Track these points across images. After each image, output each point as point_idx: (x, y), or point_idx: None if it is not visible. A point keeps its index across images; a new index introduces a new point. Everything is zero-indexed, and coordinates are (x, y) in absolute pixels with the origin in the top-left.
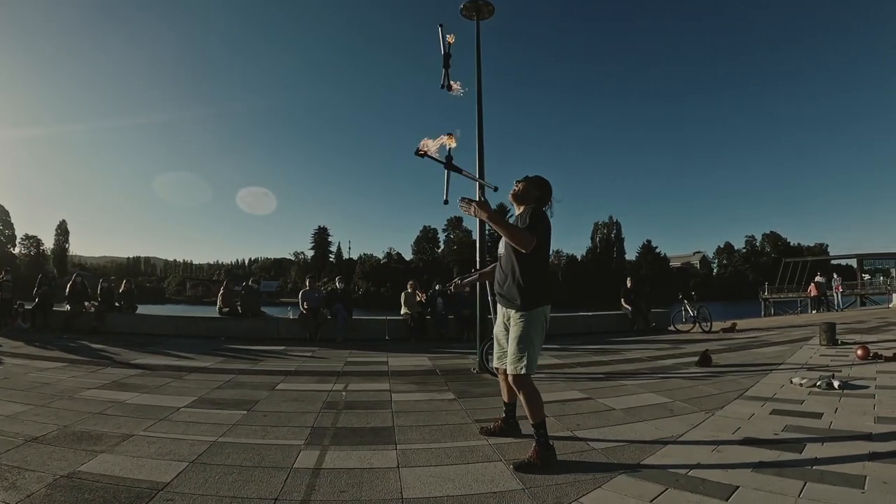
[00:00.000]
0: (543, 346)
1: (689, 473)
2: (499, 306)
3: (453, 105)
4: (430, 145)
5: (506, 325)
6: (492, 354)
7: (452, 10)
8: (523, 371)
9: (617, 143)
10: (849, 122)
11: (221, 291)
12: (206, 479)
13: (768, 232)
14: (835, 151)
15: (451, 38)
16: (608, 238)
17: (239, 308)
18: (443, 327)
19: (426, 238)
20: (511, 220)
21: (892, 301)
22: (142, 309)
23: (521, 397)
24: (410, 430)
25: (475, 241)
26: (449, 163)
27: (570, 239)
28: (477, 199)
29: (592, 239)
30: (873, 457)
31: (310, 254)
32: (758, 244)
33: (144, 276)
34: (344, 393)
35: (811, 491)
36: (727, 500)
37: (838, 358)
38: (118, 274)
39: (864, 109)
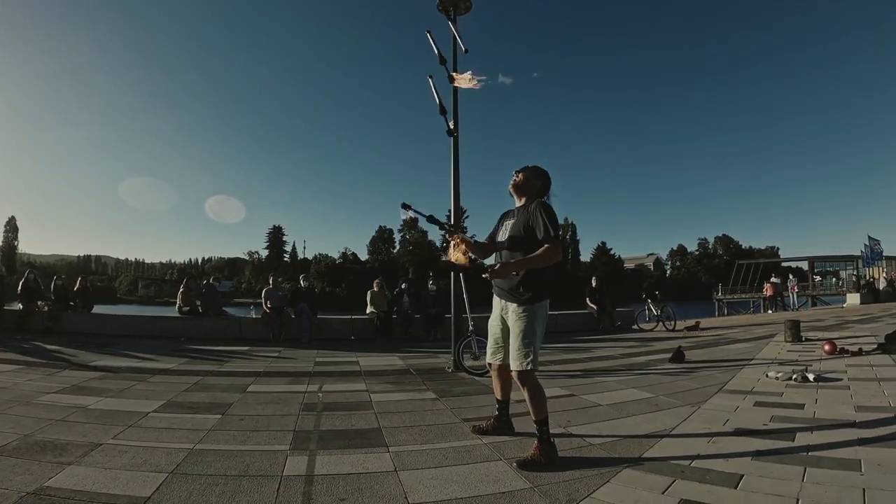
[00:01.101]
0: None
1: (692, 465)
2: (496, 299)
3: (416, 101)
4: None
5: (503, 318)
6: (468, 352)
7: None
8: (528, 367)
9: (572, 146)
10: (798, 129)
11: (181, 290)
12: (189, 491)
13: (721, 235)
14: (785, 158)
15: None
16: (563, 240)
17: (199, 307)
18: (409, 327)
19: (382, 238)
20: (513, 211)
21: (846, 301)
22: (94, 309)
23: (525, 393)
24: (399, 432)
25: (431, 241)
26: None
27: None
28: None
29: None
30: (862, 442)
31: (264, 253)
32: (710, 246)
33: (95, 276)
34: (320, 394)
35: (812, 475)
36: (736, 487)
37: (806, 353)
38: (69, 273)
39: (813, 117)
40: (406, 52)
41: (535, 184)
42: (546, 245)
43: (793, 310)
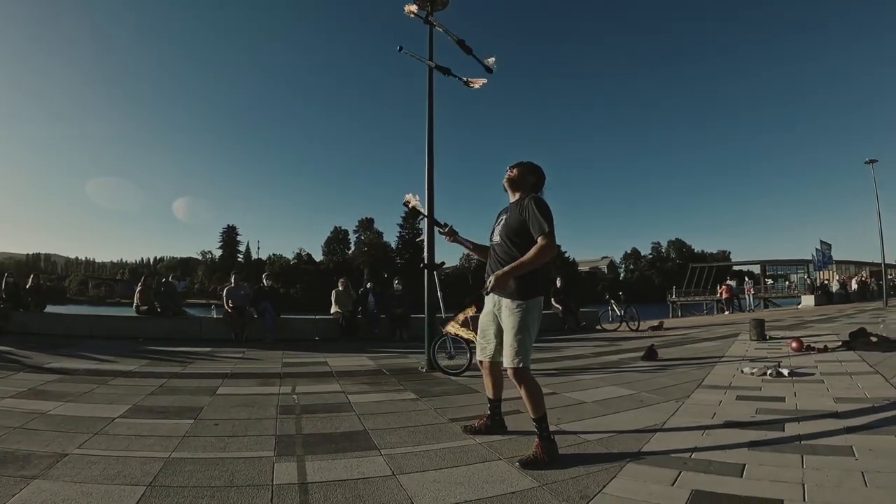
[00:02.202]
0: None
1: (692, 457)
2: (489, 295)
3: (374, 99)
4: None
5: (495, 314)
6: (443, 352)
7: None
8: (522, 364)
9: (530, 150)
10: (749, 136)
11: (139, 288)
12: None
13: (674, 239)
14: (738, 166)
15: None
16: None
17: (157, 307)
18: (375, 327)
19: (337, 239)
20: (507, 207)
21: (801, 303)
22: (46, 309)
23: (521, 391)
24: (387, 434)
25: (386, 243)
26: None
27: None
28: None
29: None
30: (850, 430)
31: (218, 253)
32: (663, 250)
33: (45, 275)
34: (295, 396)
35: (811, 462)
36: (741, 476)
37: (773, 351)
38: (17, 271)
39: (762, 123)
40: (366, 49)
41: (529, 179)
42: (539, 243)
43: (748, 311)
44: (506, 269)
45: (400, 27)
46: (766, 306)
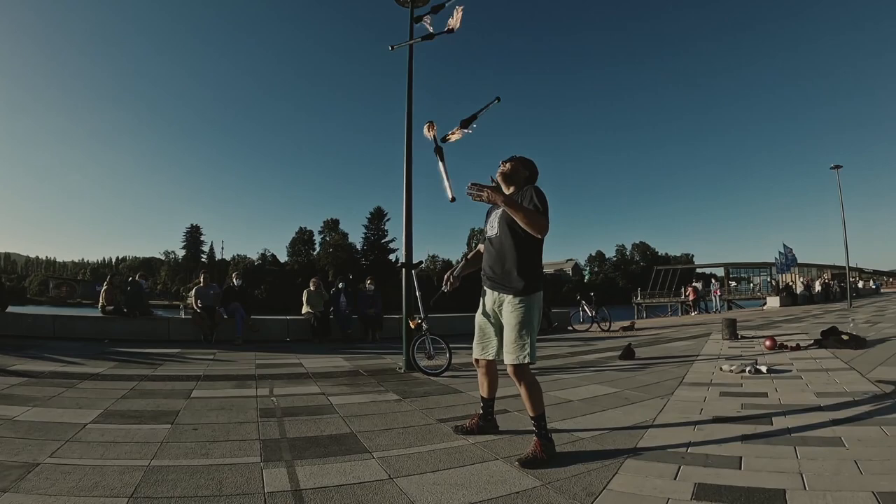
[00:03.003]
0: (459, 346)
1: (689, 451)
2: (487, 292)
3: (340, 99)
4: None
5: (495, 311)
6: (422, 352)
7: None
8: (526, 360)
9: (491, 151)
10: (709, 141)
11: (105, 287)
12: None
13: (638, 242)
14: (702, 170)
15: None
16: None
17: (123, 307)
18: (347, 327)
19: (302, 240)
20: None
21: (766, 304)
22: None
23: (521, 389)
24: (376, 436)
25: (352, 244)
26: (438, 151)
27: (446, 245)
28: (489, 184)
29: (469, 245)
30: (836, 422)
31: (181, 253)
32: (628, 253)
33: (4, 274)
34: (274, 399)
35: (804, 452)
36: (740, 468)
37: (747, 349)
38: None
39: (721, 128)
40: (336, 43)
41: (522, 173)
42: (543, 216)
43: (715, 312)
44: (505, 196)
45: (369, 19)
46: (729, 307)
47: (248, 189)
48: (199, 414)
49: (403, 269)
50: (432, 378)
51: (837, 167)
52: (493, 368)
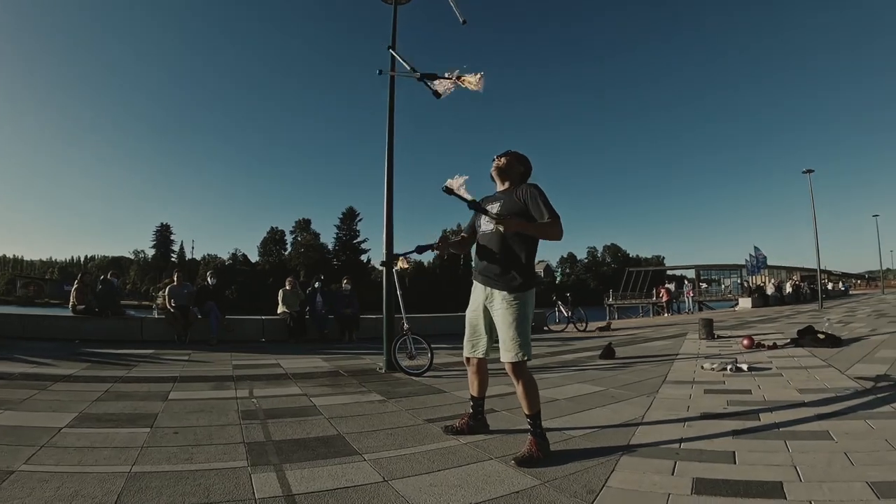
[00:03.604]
0: (441, 346)
1: (682, 447)
2: (478, 287)
3: (311, 98)
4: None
5: (486, 307)
6: (403, 352)
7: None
8: (524, 357)
9: (462, 152)
10: (680, 143)
11: (76, 286)
12: None
13: (609, 244)
14: (672, 173)
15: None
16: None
17: (95, 307)
18: (323, 328)
19: (273, 239)
20: (495, 196)
21: (738, 305)
22: None
23: (518, 387)
24: (364, 437)
25: (323, 244)
26: (474, 203)
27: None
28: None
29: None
30: (821, 417)
31: (151, 252)
32: (599, 255)
33: None
34: (255, 400)
35: (795, 446)
36: (735, 463)
37: (725, 348)
38: None
39: (692, 129)
40: (310, 37)
41: (517, 169)
42: (552, 221)
43: (687, 313)
44: (519, 220)
45: (345, 10)
46: (700, 309)
47: (220, 188)
48: (179, 416)
49: (384, 268)
50: (414, 378)
51: (809, 171)
52: (483, 367)
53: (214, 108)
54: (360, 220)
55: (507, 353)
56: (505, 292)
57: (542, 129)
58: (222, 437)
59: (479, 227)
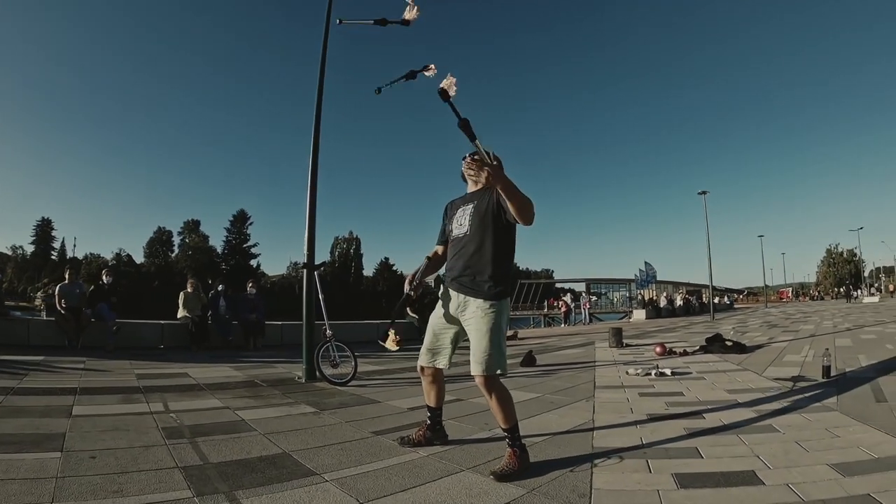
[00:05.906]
0: (362, 353)
1: (646, 448)
2: (450, 294)
3: (217, 84)
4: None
5: (455, 316)
6: (326, 360)
7: None
8: (498, 371)
9: (358, 161)
10: (570, 157)
11: None
12: None
13: None
14: (562, 187)
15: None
16: (347, 253)
17: None
18: (228, 334)
19: (160, 240)
20: (467, 196)
21: (632, 316)
22: None
23: (491, 401)
24: (314, 455)
25: (212, 247)
26: (465, 123)
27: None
28: (488, 160)
29: (332, 253)
30: (760, 413)
31: (30, 249)
32: None
33: None
34: (174, 415)
35: (751, 439)
36: (703, 457)
37: (637, 355)
38: None
39: (583, 144)
40: (219, 17)
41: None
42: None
43: (583, 324)
44: (506, 179)
45: None
46: (590, 321)
47: (104, 182)
48: (92, 437)
49: (305, 271)
50: (339, 388)
51: (704, 192)
52: (440, 376)
53: (102, 96)
54: (250, 224)
55: (479, 365)
56: (480, 300)
57: (425, 137)
58: (150, 462)
59: (451, 231)
